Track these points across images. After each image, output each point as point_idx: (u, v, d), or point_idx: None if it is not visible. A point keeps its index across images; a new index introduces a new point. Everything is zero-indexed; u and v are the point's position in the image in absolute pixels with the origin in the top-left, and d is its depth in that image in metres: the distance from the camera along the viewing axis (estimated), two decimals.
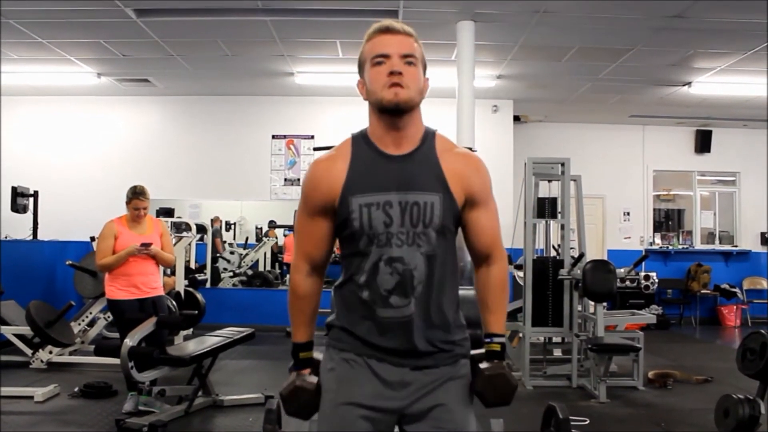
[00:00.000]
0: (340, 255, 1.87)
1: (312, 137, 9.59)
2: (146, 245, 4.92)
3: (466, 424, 1.81)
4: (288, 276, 10.49)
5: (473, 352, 1.90)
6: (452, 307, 1.84)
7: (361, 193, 1.76)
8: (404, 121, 1.78)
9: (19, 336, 6.51)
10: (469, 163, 1.84)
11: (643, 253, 7.79)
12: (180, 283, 7.70)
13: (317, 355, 1.95)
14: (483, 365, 1.82)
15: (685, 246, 11.14)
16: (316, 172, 1.83)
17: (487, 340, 1.86)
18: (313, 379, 1.89)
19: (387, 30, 1.79)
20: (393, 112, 1.76)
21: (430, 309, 1.79)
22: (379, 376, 1.79)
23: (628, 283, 10.13)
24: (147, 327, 4.68)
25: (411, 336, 1.77)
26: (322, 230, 1.84)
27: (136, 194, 4.98)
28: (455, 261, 1.87)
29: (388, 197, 1.75)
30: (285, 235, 10.89)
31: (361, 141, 1.84)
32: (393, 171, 1.77)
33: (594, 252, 9.51)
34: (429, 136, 1.84)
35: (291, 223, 8.90)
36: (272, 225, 10.79)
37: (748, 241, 11.12)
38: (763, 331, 4.14)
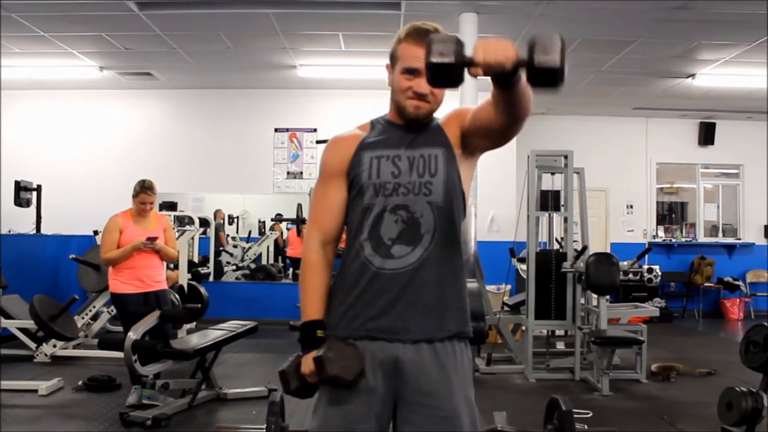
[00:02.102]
0: (346, 230, 1.91)
1: (315, 130, 9.58)
2: (152, 239, 4.92)
3: (460, 411, 1.80)
4: (291, 270, 10.53)
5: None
6: (459, 271, 1.86)
7: (372, 148, 1.87)
8: (420, 123, 1.90)
9: (22, 330, 6.53)
10: (449, 116, 1.94)
11: (647, 246, 7.78)
12: (183, 277, 7.70)
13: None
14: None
15: (688, 239, 11.12)
16: (334, 140, 1.96)
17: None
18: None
19: (421, 38, 1.75)
20: (409, 120, 1.88)
21: (441, 264, 1.81)
22: (374, 356, 1.80)
23: (631, 276, 10.13)
24: (150, 320, 4.70)
25: (406, 288, 1.78)
26: (335, 198, 1.89)
27: (144, 188, 4.98)
28: (460, 226, 1.89)
29: (397, 152, 1.85)
30: (288, 229, 10.90)
31: (379, 119, 1.97)
32: (403, 134, 1.88)
33: (597, 245, 9.49)
34: (434, 118, 1.94)
35: (294, 216, 8.89)
36: (278, 218, 10.78)
37: (751, 234, 11.10)
38: (766, 324, 4.13)
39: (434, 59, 1.48)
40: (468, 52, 1.48)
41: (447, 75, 1.51)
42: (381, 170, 1.83)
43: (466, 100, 6.68)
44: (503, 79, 1.53)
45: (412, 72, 1.81)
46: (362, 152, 1.86)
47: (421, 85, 1.79)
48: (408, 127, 1.89)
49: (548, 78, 1.48)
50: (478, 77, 1.51)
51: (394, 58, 1.87)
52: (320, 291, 1.89)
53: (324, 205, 1.90)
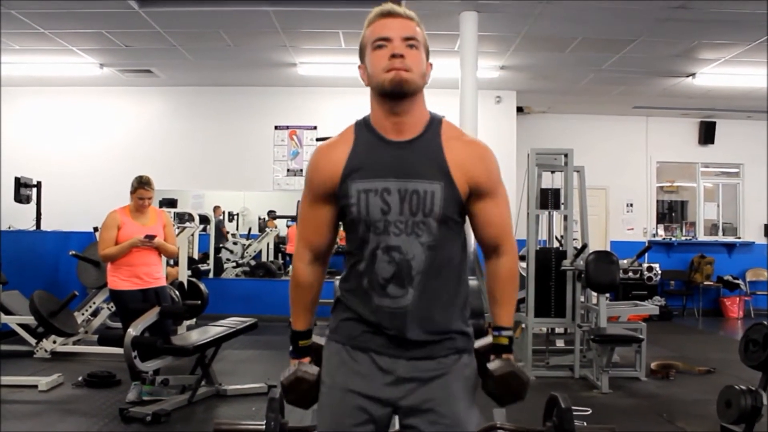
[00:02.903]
0: (345, 244, 1.86)
1: (315, 128, 9.58)
2: (150, 237, 4.92)
3: (463, 420, 1.78)
4: (291, 266, 10.52)
5: (478, 343, 1.88)
6: (457, 300, 1.81)
7: (360, 178, 1.73)
8: (405, 105, 1.74)
9: (23, 326, 6.53)
10: (474, 152, 1.78)
11: (646, 245, 7.78)
12: (183, 274, 7.71)
13: (318, 339, 1.95)
14: (491, 365, 1.81)
15: (688, 237, 11.12)
16: (318, 157, 1.81)
17: (495, 333, 1.84)
18: (314, 369, 1.89)
19: (388, 14, 1.76)
20: (394, 96, 1.72)
21: (430, 300, 1.76)
22: (376, 366, 1.78)
23: (630, 274, 10.14)
24: (150, 317, 4.70)
25: (405, 327, 1.74)
26: (324, 217, 1.82)
27: (142, 184, 4.97)
28: (462, 253, 1.84)
29: (386, 184, 1.71)
30: (288, 226, 10.90)
31: (363, 127, 1.81)
32: (392, 157, 1.73)
33: (597, 243, 9.49)
34: (434, 123, 1.79)
35: (294, 213, 8.89)
36: (272, 215, 10.78)
37: (751, 233, 11.10)
38: (765, 323, 4.13)
39: None
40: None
41: None
42: (370, 206, 1.72)
43: (466, 98, 6.68)
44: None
45: (383, 40, 1.72)
46: (349, 182, 1.73)
47: (396, 46, 1.70)
48: (398, 143, 1.75)
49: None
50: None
51: (363, 49, 1.79)
52: (307, 306, 1.94)
53: (312, 223, 1.84)
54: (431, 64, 1.80)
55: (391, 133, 1.76)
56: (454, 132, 1.81)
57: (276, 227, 11.04)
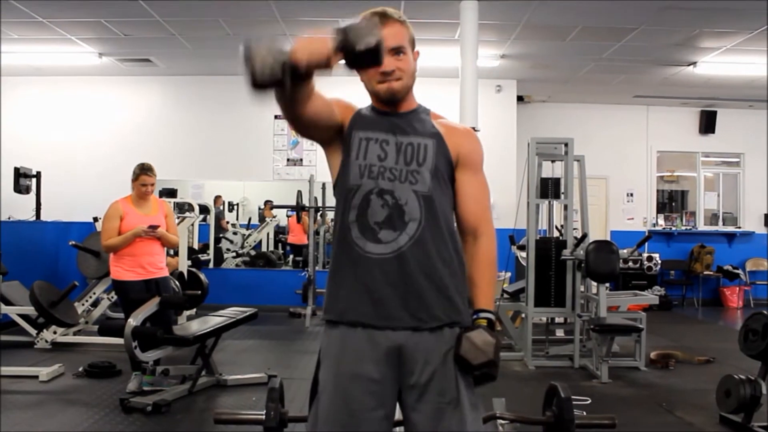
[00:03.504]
0: (334, 212, 1.91)
1: None
2: (153, 227, 4.91)
3: (462, 398, 1.80)
4: (291, 257, 10.55)
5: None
6: (451, 262, 1.85)
7: (362, 129, 1.88)
8: (401, 103, 1.90)
9: (23, 316, 6.54)
10: (460, 130, 1.96)
11: (646, 234, 7.78)
12: (183, 264, 7.71)
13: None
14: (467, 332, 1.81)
15: (688, 227, 11.12)
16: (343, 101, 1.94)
17: (474, 316, 1.85)
18: None
19: (380, 21, 1.78)
20: (389, 102, 1.88)
21: (427, 253, 1.80)
22: (375, 342, 1.80)
23: (630, 264, 10.15)
24: (150, 307, 4.70)
25: (404, 273, 1.78)
26: (329, 109, 1.85)
27: (144, 170, 4.96)
28: (453, 220, 1.90)
29: (385, 136, 1.86)
30: (288, 216, 10.89)
31: (365, 108, 1.95)
32: (391, 121, 1.88)
33: (597, 233, 9.50)
34: (422, 107, 1.96)
35: (293, 203, 8.89)
36: (269, 204, 10.75)
37: (751, 223, 11.09)
38: (765, 312, 4.15)
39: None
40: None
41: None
42: (368, 151, 1.84)
43: (466, 87, 6.66)
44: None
45: None
46: (353, 131, 1.87)
47: (386, 65, 1.78)
48: (397, 114, 1.89)
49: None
50: None
51: None
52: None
53: (323, 100, 1.84)
54: (418, 51, 1.91)
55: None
56: (440, 117, 1.97)
57: (274, 216, 11.02)
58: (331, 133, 1.89)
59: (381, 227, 1.80)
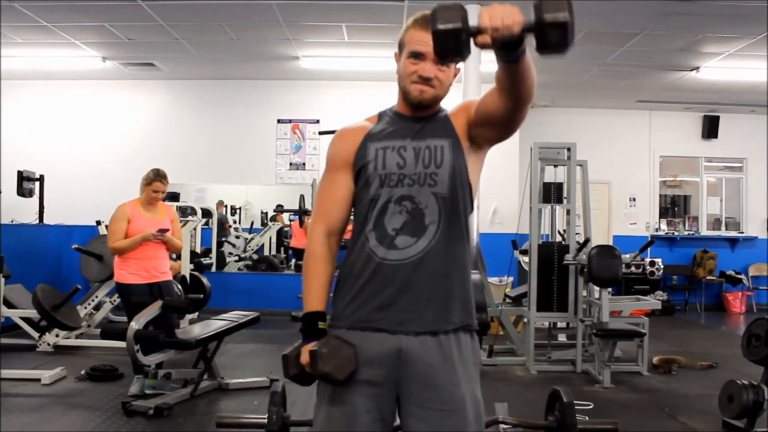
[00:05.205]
0: (353, 222, 1.91)
1: (317, 121, 9.57)
2: (162, 231, 4.91)
3: (465, 405, 1.78)
4: (293, 261, 10.54)
5: None
6: (464, 266, 1.85)
7: (378, 139, 1.88)
8: (426, 109, 1.89)
9: (25, 319, 6.55)
10: (458, 108, 1.94)
11: (649, 239, 7.77)
12: (185, 267, 7.72)
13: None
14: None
15: (691, 232, 11.11)
16: (341, 131, 1.97)
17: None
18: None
19: (428, 23, 1.73)
20: (415, 106, 1.88)
21: (444, 256, 1.80)
22: (377, 347, 1.78)
23: (633, 268, 10.12)
24: (153, 310, 4.70)
25: (409, 280, 1.77)
26: (342, 189, 1.89)
27: (159, 176, 4.96)
28: (468, 223, 1.89)
29: (403, 143, 1.85)
30: (291, 220, 10.89)
31: (387, 111, 1.97)
32: (409, 125, 1.89)
33: (600, 237, 9.49)
34: (441, 108, 1.95)
35: (296, 207, 8.89)
36: (279, 209, 10.77)
37: (754, 228, 11.07)
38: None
39: (440, 26, 1.45)
40: (473, 21, 1.46)
41: (453, 42, 1.46)
42: (387, 161, 1.83)
43: (469, 92, 6.66)
44: (510, 47, 1.50)
45: (417, 56, 1.82)
46: (368, 143, 1.87)
47: (426, 69, 1.81)
48: (415, 118, 1.89)
49: (559, 37, 1.45)
50: (484, 49, 1.47)
51: (401, 45, 1.88)
52: (323, 282, 1.88)
53: (330, 196, 1.90)
54: (459, 68, 1.91)
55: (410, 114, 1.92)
56: (452, 109, 1.96)
57: (289, 223, 11.02)
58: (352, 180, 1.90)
59: (398, 233, 1.80)
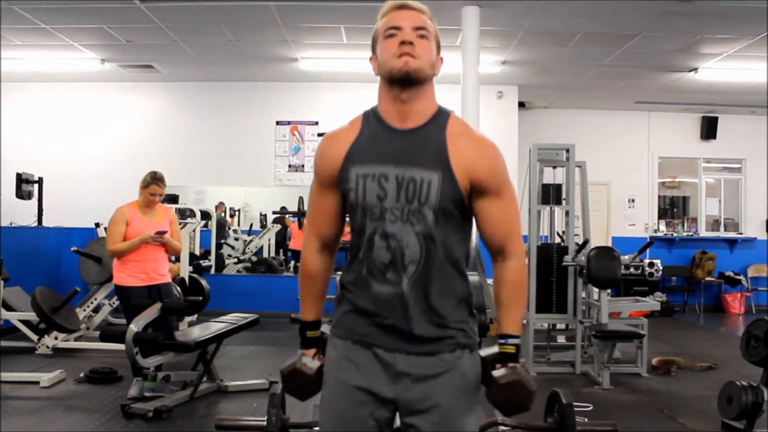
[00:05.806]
0: (350, 239, 1.86)
1: (316, 123, 9.57)
2: (161, 233, 4.91)
3: (464, 422, 1.76)
4: (292, 263, 10.53)
5: (484, 353, 1.83)
6: (456, 294, 1.78)
7: (360, 163, 1.75)
8: (412, 93, 1.74)
9: (24, 322, 6.54)
10: (480, 150, 1.75)
11: (648, 240, 7.78)
12: (184, 270, 7.70)
13: (328, 330, 1.94)
14: (497, 373, 1.76)
15: (689, 233, 11.12)
16: (323, 145, 1.84)
17: (501, 341, 1.79)
18: (314, 363, 1.89)
19: (401, 6, 1.78)
20: (402, 82, 1.73)
21: (427, 293, 1.73)
22: (378, 361, 1.76)
23: (632, 270, 10.13)
24: (152, 313, 4.70)
25: (407, 314, 1.73)
26: (330, 204, 1.84)
27: (156, 179, 4.96)
28: (462, 248, 1.81)
29: (385, 170, 1.72)
30: (290, 222, 10.88)
31: (370, 115, 1.82)
32: (393, 144, 1.74)
33: (598, 239, 9.49)
34: (441, 115, 1.80)
35: (295, 209, 8.88)
36: (283, 212, 10.72)
37: (753, 229, 11.08)
38: (767, 318, 4.14)
39: None
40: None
41: None
42: (366, 192, 1.72)
43: (469, 92, 6.67)
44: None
45: (394, 29, 1.74)
46: (349, 166, 1.75)
47: (405, 33, 1.72)
48: (401, 131, 1.75)
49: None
50: None
51: (375, 42, 1.81)
52: (316, 295, 1.92)
53: (320, 211, 1.87)
54: (442, 58, 1.81)
55: (395, 121, 1.77)
56: (462, 127, 1.79)
57: (289, 223, 11.00)
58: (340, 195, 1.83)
59: (387, 268, 1.74)
